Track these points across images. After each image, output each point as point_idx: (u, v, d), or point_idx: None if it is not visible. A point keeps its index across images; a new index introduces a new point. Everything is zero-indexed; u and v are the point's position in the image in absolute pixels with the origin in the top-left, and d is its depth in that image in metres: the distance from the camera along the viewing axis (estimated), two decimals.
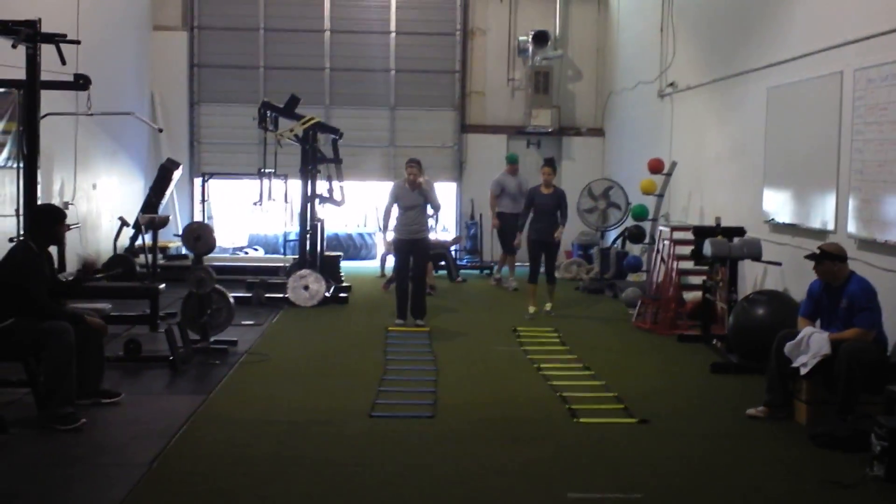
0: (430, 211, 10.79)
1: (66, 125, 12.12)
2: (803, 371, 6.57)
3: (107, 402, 6.85)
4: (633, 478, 5.53)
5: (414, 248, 10.51)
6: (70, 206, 12.24)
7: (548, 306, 11.33)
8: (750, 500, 5.21)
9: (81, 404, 6.59)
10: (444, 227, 17.36)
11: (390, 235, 10.87)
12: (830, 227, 8.32)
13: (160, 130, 15.39)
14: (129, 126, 14.68)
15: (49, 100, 10.81)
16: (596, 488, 5.32)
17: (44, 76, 7.95)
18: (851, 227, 7.89)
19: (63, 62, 8.24)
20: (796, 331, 6.79)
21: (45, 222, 6.83)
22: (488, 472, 5.60)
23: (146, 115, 15.80)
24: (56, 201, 11.98)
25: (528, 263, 11.52)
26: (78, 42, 8.60)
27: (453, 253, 15.46)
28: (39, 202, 7.89)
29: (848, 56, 8.12)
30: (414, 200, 10.48)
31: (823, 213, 8.49)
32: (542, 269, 11.46)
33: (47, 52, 7.91)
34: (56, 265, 7.37)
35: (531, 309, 11.18)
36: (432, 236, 12.30)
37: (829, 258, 6.76)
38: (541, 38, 16.85)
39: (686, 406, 7.25)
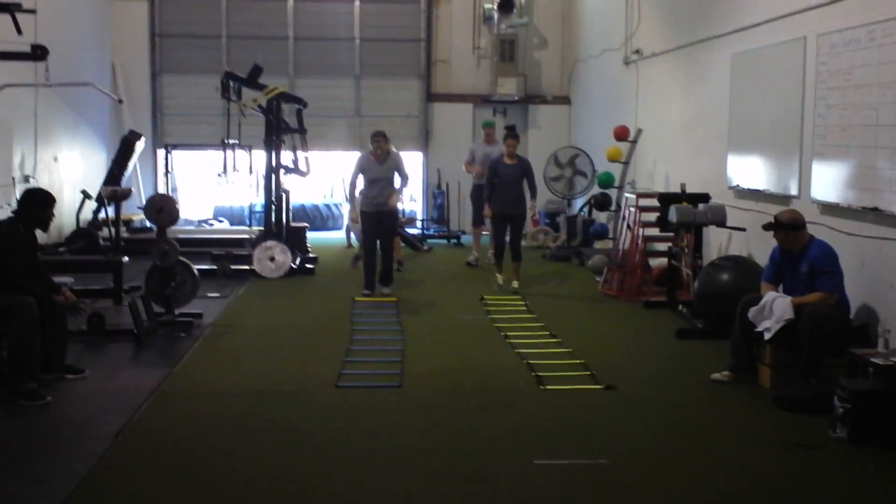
0: (397, 183, 10.48)
1: (25, 97, 11.93)
2: (767, 336, 6.63)
3: (72, 378, 6.80)
4: (600, 443, 5.56)
5: (381, 221, 10.35)
6: (31, 180, 12.07)
7: (514, 283, 10.73)
8: (715, 464, 5.26)
9: (46, 379, 6.54)
10: (411, 196, 17.31)
11: (359, 205, 10.58)
12: (794, 192, 8.37)
13: (120, 101, 15.20)
14: (91, 97, 14.46)
15: (6, 71, 10.67)
16: (562, 455, 5.35)
17: (0, 47, 7.79)
18: (815, 192, 7.94)
19: (19, 32, 8.10)
20: (760, 296, 6.84)
21: (34, 206, 6.84)
22: (455, 440, 5.61)
23: (107, 86, 15.57)
24: (16, 175, 11.81)
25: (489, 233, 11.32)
26: (33, 11, 8.47)
27: (416, 228, 15.44)
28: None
29: (811, 21, 8.13)
30: (380, 173, 10.30)
31: (787, 179, 8.53)
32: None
33: (2, 21, 7.75)
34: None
35: (500, 279, 10.87)
36: (400, 206, 12.07)
37: (782, 227, 6.81)
38: (506, 6, 16.78)
39: (652, 372, 7.30)
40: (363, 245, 10.78)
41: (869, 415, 5.48)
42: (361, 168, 10.42)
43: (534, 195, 10.97)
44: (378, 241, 10.47)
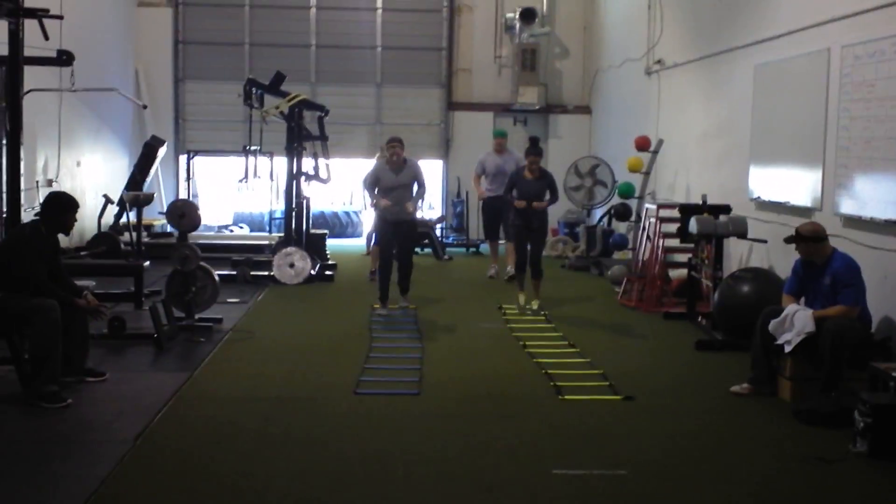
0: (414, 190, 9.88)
1: (49, 102, 12.02)
2: (787, 348, 6.59)
3: (92, 381, 6.84)
4: (618, 454, 5.54)
5: (398, 231, 9.86)
6: (54, 183, 12.16)
7: (534, 304, 10.05)
8: (733, 477, 5.23)
9: (66, 382, 6.58)
10: (430, 205, 17.33)
11: (383, 202, 9.76)
12: (816, 204, 8.32)
13: (144, 107, 15.29)
14: (114, 103, 14.57)
15: (32, 76, 10.74)
16: (580, 465, 5.33)
17: (27, 52, 7.86)
18: (837, 205, 7.90)
19: (46, 37, 8.17)
20: (781, 308, 6.80)
21: (57, 210, 6.88)
22: (473, 449, 5.60)
23: (130, 91, 15.68)
24: (40, 179, 11.91)
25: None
26: (61, 17, 8.53)
27: (438, 231, 15.45)
28: (23, 181, 7.86)
29: (835, 33, 8.10)
30: (397, 181, 9.76)
31: (810, 191, 8.49)
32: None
33: (30, 27, 7.82)
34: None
35: (521, 299, 10.10)
36: (418, 214, 11.88)
37: (803, 240, 6.78)
38: (528, 15, 16.78)
39: (671, 383, 7.26)
40: (380, 255, 10.14)
41: (890, 429, 5.44)
42: (377, 176, 9.93)
43: (552, 201, 10.08)
44: (396, 252, 9.99)
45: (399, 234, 9.91)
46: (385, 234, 9.96)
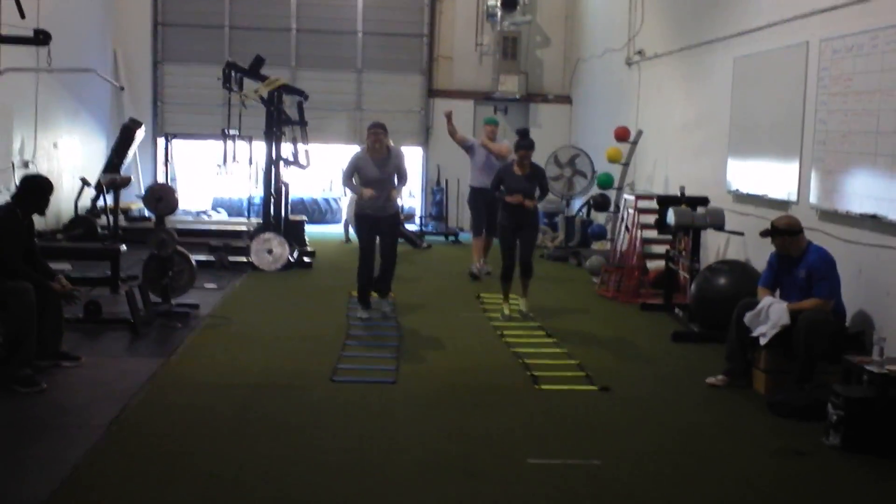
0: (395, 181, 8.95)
1: (26, 82, 11.92)
2: (763, 341, 6.63)
3: (66, 365, 6.79)
4: (593, 444, 5.57)
5: (380, 226, 8.96)
6: (30, 165, 12.06)
7: (522, 304, 9.32)
8: (707, 467, 5.27)
9: (41, 365, 6.53)
10: (410, 192, 17.29)
11: (367, 192, 8.72)
12: (793, 197, 8.37)
13: (121, 88, 15.19)
14: (92, 84, 14.45)
15: (8, 55, 10.66)
16: (556, 454, 5.35)
17: (3, 31, 7.79)
18: (813, 198, 7.94)
19: (22, 16, 8.10)
20: (756, 300, 6.85)
21: (32, 192, 6.84)
22: (449, 437, 5.61)
23: (109, 73, 15.54)
24: (15, 160, 11.80)
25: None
26: None
27: (414, 224, 15.43)
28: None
29: (814, 26, 8.13)
30: (379, 173, 8.78)
31: (787, 184, 8.54)
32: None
33: (6, 5, 7.75)
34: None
35: (505, 309, 9.25)
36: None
37: (779, 233, 6.82)
38: (509, 3, 16.76)
39: (647, 374, 7.30)
40: (359, 251, 9.12)
41: (862, 422, 5.49)
42: (356, 166, 8.88)
43: (541, 198, 9.40)
44: (378, 248, 9.11)
45: (380, 230, 8.99)
46: (365, 230, 9.05)
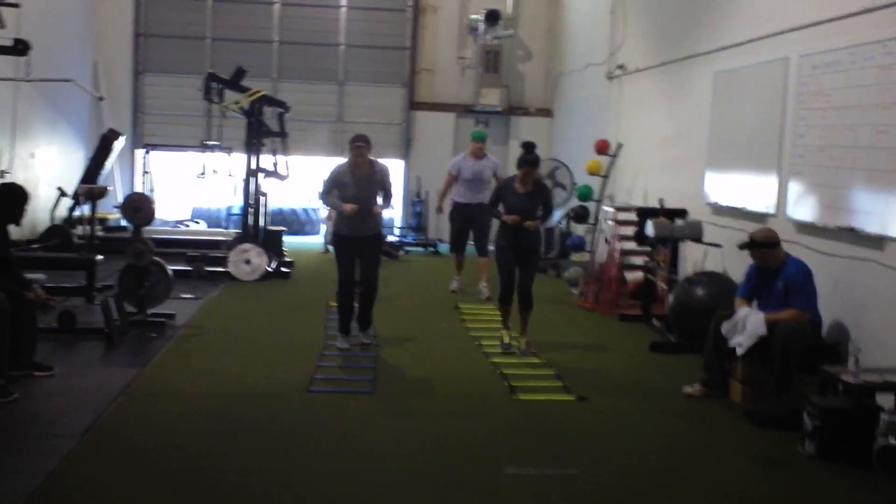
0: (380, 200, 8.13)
1: (4, 91, 11.84)
2: (740, 351, 6.65)
3: (40, 375, 6.72)
4: (570, 453, 5.55)
5: (362, 248, 8.11)
6: (6, 174, 11.97)
7: (521, 342, 8.27)
8: (684, 477, 5.26)
9: (13, 376, 6.45)
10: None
11: (347, 207, 7.89)
12: (771, 210, 8.40)
13: (101, 99, 15.12)
14: (70, 94, 14.37)
15: None
16: (533, 463, 5.34)
17: None
18: (791, 211, 7.97)
19: (2, 26, 8.06)
20: (733, 311, 6.86)
21: (8, 201, 6.80)
22: (426, 447, 5.59)
23: (88, 83, 15.47)
24: None
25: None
26: (17, 5, 8.42)
27: (392, 236, 15.41)
28: None
29: (794, 42, 8.17)
30: (360, 190, 7.96)
31: (765, 197, 8.57)
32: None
33: None
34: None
35: (505, 337, 8.34)
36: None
37: (757, 246, 6.85)
38: (492, 17, 16.79)
39: (624, 384, 7.30)
40: (339, 277, 8.20)
41: (838, 431, 5.51)
42: (335, 182, 8.07)
43: (544, 219, 8.46)
44: (358, 273, 8.27)
45: (361, 251, 8.14)
46: (343, 252, 8.18)
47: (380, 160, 8.26)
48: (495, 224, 8.48)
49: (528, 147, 8.48)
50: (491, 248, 9.90)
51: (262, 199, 12.27)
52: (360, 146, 7.90)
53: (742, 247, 6.98)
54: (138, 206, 8.86)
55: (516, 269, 8.22)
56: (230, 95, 12.20)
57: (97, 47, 16.28)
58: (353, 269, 8.19)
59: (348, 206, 7.88)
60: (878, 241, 6.69)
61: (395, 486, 4.94)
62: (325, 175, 8.23)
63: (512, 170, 10.94)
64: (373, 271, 8.19)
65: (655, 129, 11.81)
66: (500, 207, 8.29)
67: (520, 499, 4.83)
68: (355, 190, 7.97)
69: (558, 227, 14.10)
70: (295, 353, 7.88)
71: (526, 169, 8.23)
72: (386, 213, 8.46)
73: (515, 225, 8.06)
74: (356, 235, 8.03)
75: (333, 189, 8.08)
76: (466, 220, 11.17)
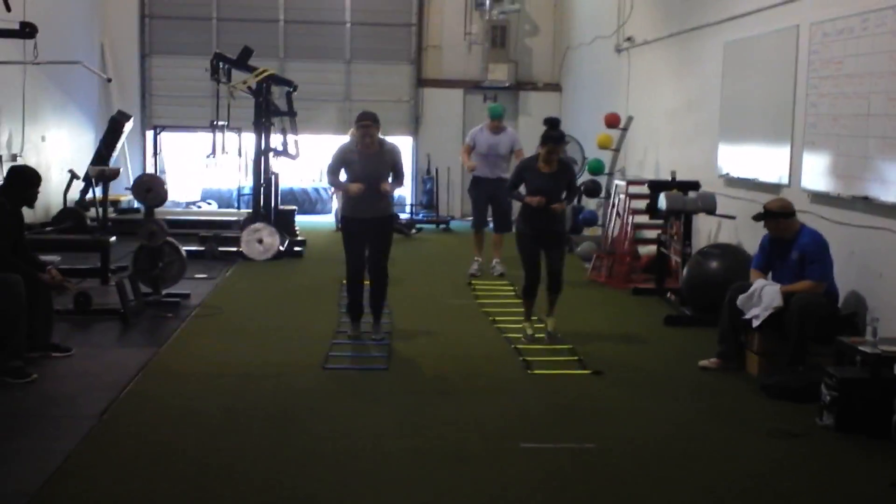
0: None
1: (13, 75, 11.84)
2: (755, 323, 6.63)
3: (57, 356, 6.76)
4: (586, 428, 5.56)
5: (371, 232, 7.55)
6: (19, 158, 11.99)
7: (549, 324, 7.81)
8: (700, 450, 5.26)
9: (31, 357, 6.50)
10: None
11: (354, 187, 7.37)
12: (785, 180, 8.35)
13: (109, 80, 15.09)
14: (79, 77, 14.37)
15: None
16: (549, 438, 5.34)
17: None
18: (805, 181, 7.93)
19: (8, 9, 8.05)
20: (748, 283, 6.84)
21: (20, 184, 6.83)
22: (441, 423, 5.59)
23: (96, 65, 15.45)
24: (4, 153, 11.73)
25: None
26: None
27: (404, 213, 15.39)
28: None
29: (803, 10, 8.11)
30: (369, 170, 7.40)
31: (778, 167, 8.52)
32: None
33: None
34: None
35: (528, 329, 7.82)
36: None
37: (772, 216, 6.81)
38: None
39: (639, 358, 7.29)
40: (347, 262, 7.69)
41: (855, 403, 5.49)
42: (343, 161, 7.53)
43: (570, 202, 7.91)
44: (367, 260, 7.68)
45: (370, 236, 7.58)
46: (352, 236, 7.64)
47: (388, 139, 7.78)
48: (516, 206, 8.04)
49: (552, 123, 7.83)
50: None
51: (272, 178, 12.26)
52: (366, 125, 7.33)
53: (757, 218, 6.95)
54: (150, 188, 8.87)
55: (541, 255, 7.70)
56: (238, 75, 12.17)
57: (104, 29, 16.26)
58: (363, 254, 7.63)
59: (354, 186, 7.36)
60: (893, 210, 6.64)
61: (411, 462, 4.95)
62: (331, 154, 7.70)
63: (520, 141, 11.03)
64: (382, 259, 7.66)
65: (666, 102, 11.75)
66: (521, 189, 7.73)
67: (535, 473, 4.84)
68: (362, 170, 7.40)
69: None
70: (309, 331, 7.89)
71: (550, 146, 7.59)
72: (396, 193, 7.90)
73: (540, 208, 7.46)
74: (365, 217, 7.46)
75: (340, 167, 7.56)
76: (486, 195, 10.78)
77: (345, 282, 7.91)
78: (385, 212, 7.58)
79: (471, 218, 11.60)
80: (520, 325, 8.01)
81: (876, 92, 6.85)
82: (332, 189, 7.67)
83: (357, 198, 7.39)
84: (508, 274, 10.39)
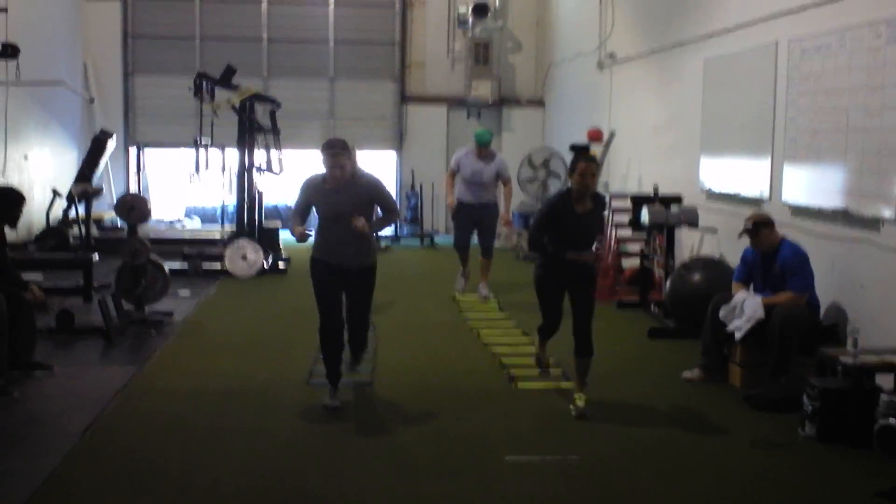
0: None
1: None
2: (738, 335, 6.67)
3: (39, 375, 6.73)
4: (570, 441, 5.57)
5: (346, 283, 6.29)
6: (0, 178, 11.94)
7: (580, 400, 6.19)
8: (684, 461, 5.28)
9: (13, 375, 6.47)
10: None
11: (297, 230, 6.17)
12: (765, 194, 8.41)
13: (91, 100, 15.07)
14: (62, 96, 14.35)
15: None
16: (533, 451, 5.36)
17: None
18: (786, 195, 7.98)
19: None
20: (731, 296, 6.88)
21: (4, 204, 6.83)
22: (426, 437, 5.60)
23: (79, 85, 15.43)
24: None
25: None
26: (4, 10, 8.40)
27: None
28: None
29: (782, 27, 8.18)
30: (341, 206, 6.05)
31: (759, 182, 8.58)
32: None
33: None
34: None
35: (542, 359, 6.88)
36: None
37: (755, 226, 6.85)
38: (480, 10, 16.75)
39: (623, 370, 7.31)
40: (320, 315, 6.34)
41: (837, 413, 5.53)
42: (308, 199, 6.24)
43: (599, 243, 6.34)
44: (345, 306, 6.43)
45: (347, 286, 6.33)
46: (322, 284, 6.27)
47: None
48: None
49: (582, 149, 6.55)
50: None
51: (256, 195, 12.26)
52: (334, 153, 5.98)
53: (741, 234, 6.99)
54: (133, 206, 8.86)
55: (562, 302, 6.43)
56: (221, 94, 12.17)
57: (87, 49, 16.22)
58: (339, 308, 6.36)
59: (298, 230, 6.11)
60: (872, 223, 6.70)
61: (395, 477, 4.96)
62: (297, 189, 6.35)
63: (504, 156, 10.45)
64: (362, 310, 6.47)
65: (648, 117, 11.82)
66: (553, 238, 6.17)
67: (521, 487, 4.85)
68: (332, 206, 6.10)
69: None
70: (293, 347, 7.88)
71: (584, 169, 6.06)
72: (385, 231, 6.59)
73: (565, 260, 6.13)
74: (341, 264, 6.18)
75: (307, 208, 6.28)
76: (471, 220, 10.22)
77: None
78: (364, 262, 6.24)
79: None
80: (506, 340, 8.01)
81: (853, 106, 6.92)
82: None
83: (327, 241, 6.19)
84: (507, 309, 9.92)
